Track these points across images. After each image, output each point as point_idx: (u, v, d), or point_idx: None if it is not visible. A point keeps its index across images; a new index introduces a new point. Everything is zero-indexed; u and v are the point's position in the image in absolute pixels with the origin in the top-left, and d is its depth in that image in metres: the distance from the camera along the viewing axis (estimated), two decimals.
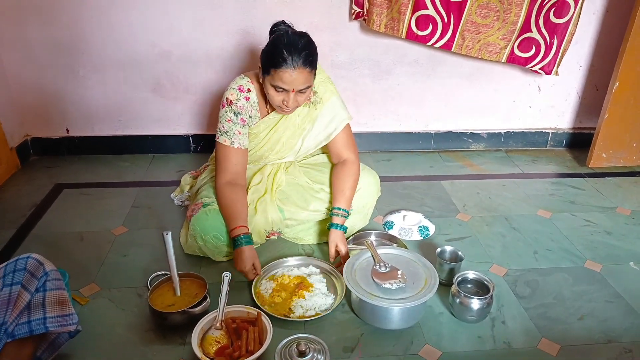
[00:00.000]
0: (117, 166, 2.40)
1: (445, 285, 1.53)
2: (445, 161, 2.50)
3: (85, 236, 1.84)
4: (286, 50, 1.44)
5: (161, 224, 1.92)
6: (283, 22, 1.56)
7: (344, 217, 1.65)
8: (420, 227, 1.86)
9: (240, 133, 1.62)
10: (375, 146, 2.58)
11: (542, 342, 1.37)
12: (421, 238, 1.83)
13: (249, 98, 1.62)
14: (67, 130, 2.44)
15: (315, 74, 1.53)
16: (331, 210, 1.66)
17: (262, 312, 1.38)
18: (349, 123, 1.74)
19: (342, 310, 1.48)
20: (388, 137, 2.56)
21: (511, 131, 2.62)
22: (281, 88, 1.49)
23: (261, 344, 1.30)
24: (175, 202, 2.07)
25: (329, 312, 1.45)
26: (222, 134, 1.62)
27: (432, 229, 1.87)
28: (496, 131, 2.61)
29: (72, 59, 2.27)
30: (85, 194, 2.15)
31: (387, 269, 1.45)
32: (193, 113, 2.46)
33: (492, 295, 1.40)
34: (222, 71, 2.35)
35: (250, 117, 1.64)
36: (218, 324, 1.36)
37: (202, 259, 1.69)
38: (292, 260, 1.67)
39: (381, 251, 1.53)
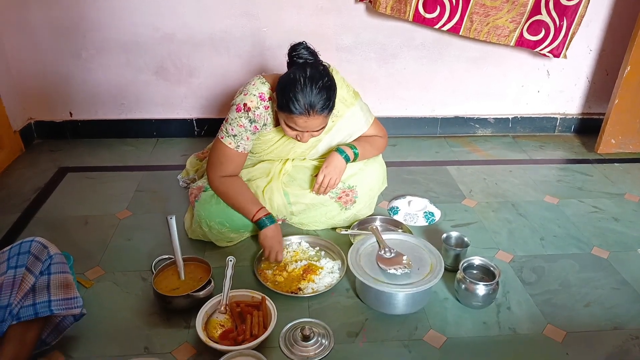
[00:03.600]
0: (121, 150, 2.39)
1: (450, 271, 1.52)
2: (451, 146, 2.47)
3: (89, 220, 1.83)
4: (302, 98, 1.39)
5: (166, 208, 1.91)
6: (304, 47, 1.46)
7: (353, 150, 1.64)
8: (425, 212, 1.84)
9: (248, 139, 1.58)
10: None
11: (548, 328, 1.36)
12: (427, 224, 1.81)
13: (267, 107, 1.55)
14: (71, 114, 2.43)
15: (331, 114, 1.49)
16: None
17: (266, 297, 1.38)
18: (375, 118, 1.74)
19: (346, 295, 1.48)
20: (394, 122, 2.53)
21: (519, 116, 2.58)
22: (294, 128, 1.47)
23: (265, 328, 1.30)
24: (180, 183, 2.06)
25: (331, 287, 1.47)
26: (228, 136, 1.56)
27: (437, 214, 1.86)
28: (503, 116, 2.58)
29: (74, 42, 2.24)
30: (89, 178, 2.14)
31: (392, 255, 1.43)
32: (197, 97, 2.43)
33: (498, 282, 1.39)
34: (226, 55, 2.32)
35: (264, 124, 1.60)
36: (222, 308, 1.36)
37: (207, 243, 1.68)
38: (294, 238, 1.68)
39: (386, 236, 1.52)
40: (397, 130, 2.54)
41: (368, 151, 1.72)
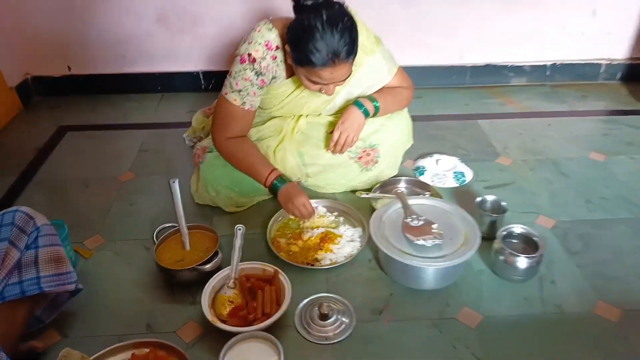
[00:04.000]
0: (124, 106, 2.23)
1: (485, 239, 1.35)
2: (482, 98, 2.24)
3: (90, 183, 1.70)
4: (324, 47, 1.19)
5: (171, 170, 1.76)
6: None
7: (373, 103, 1.46)
8: (455, 172, 1.66)
9: (255, 94, 1.40)
10: None
11: (599, 305, 1.20)
12: (457, 185, 1.63)
13: (276, 57, 1.36)
14: (69, 68, 2.26)
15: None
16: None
17: (279, 270, 1.24)
18: (399, 67, 1.53)
19: (368, 267, 1.33)
20: (418, 72, 2.27)
21: (558, 63, 2.31)
22: (318, 82, 1.28)
23: (279, 305, 1.17)
24: (187, 142, 1.90)
25: (351, 258, 1.33)
26: (232, 92, 1.39)
27: (468, 174, 1.67)
28: (540, 63, 2.31)
29: None
30: (90, 137, 2.00)
31: (420, 222, 1.27)
32: (202, 47, 2.23)
33: (542, 254, 1.22)
34: (232, 1, 2.09)
35: (274, 77, 1.40)
36: (231, 283, 1.23)
37: (214, 209, 1.54)
38: (312, 203, 1.52)
39: (413, 201, 1.35)
40: (421, 80, 2.29)
41: (391, 104, 1.52)
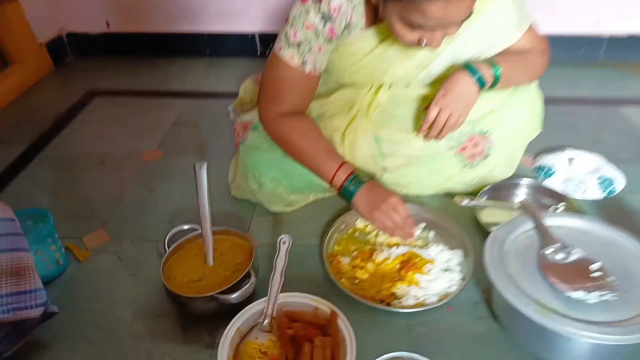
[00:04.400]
0: (165, 71, 1.88)
1: None
2: (623, 77, 1.68)
3: (107, 160, 1.36)
4: None
5: (207, 150, 1.39)
6: None
7: (492, 69, 0.97)
8: (600, 177, 1.15)
9: (320, 50, 0.97)
10: None
11: None
12: (604, 195, 1.12)
13: None
14: (108, 24, 1.94)
15: None
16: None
17: (339, 313, 0.81)
18: (532, 23, 1.04)
19: (474, 314, 0.87)
20: None
21: None
22: (421, 25, 0.82)
23: None
24: (232, 117, 1.51)
25: (448, 297, 0.87)
26: (289, 46, 0.97)
27: (619, 181, 1.15)
28: None
29: None
30: (120, 105, 1.67)
31: (573, 258, 0.79)
32: (260, 4, 1.83)
33: None
34: None
35: (347, 25, 0.97)
36: (266, 323, 0.82)
37: (256, 207, 1.14)
38: None
39: (552, 221, 0.87)
40: None
41: (518, 73, 1.04)
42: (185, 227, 0.98)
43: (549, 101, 1.51)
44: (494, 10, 0.99)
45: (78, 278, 0.99)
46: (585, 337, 0.68)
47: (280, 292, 0.84)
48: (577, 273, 0.76)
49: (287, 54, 0.98)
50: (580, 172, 1.16)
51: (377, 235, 1.03)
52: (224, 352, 0.77)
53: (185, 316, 0.89)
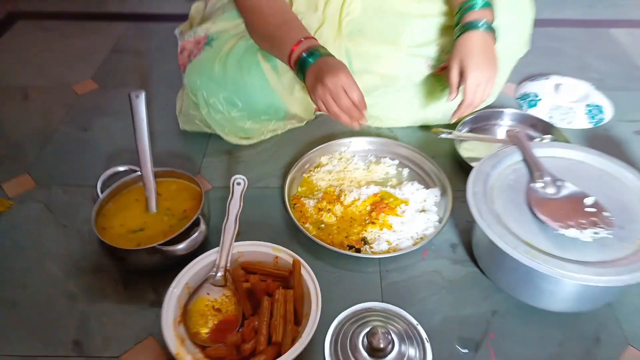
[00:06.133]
0: None
1: None
2: None
3: (32, 92, 1.17)
4: None
5: (150, 81, 1.21)
6: None
7: (485, 6, 0.83)
8: (588, 105, 1.05)
9: None
10: None
11: None
12: (591, 126, 1.03)
13: None
14: None
15: None
16: (462, 5, 0.85)
17: (302, 261, 0.71)
18: None
19: (452, 258, 0.79)
20: None
21: None
22: None
23: (298, 324, 0.65)
24: (179, 42, 1.33)
25: (424, 240, 0.79)
26: None
27: (607, 109, 1.06)
28: None
29: None
30: (48, 29, 1.44)
31: (564, 193, 0.70)
32: None
33: None
34: None
35: None
36: (219, 276, 0.71)
37: (209, 144, 1.00)
38: (356, 144, 0.96)
39: (542, 152, 0.78)
40: None
41: None
42: (122, 168, 0.84)
43: (536, 23, 1.38)
44: None
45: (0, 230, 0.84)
46: (580, 280, 0.60)
47: (235, 240, 0.73)
48: (570, 208, 0.67)
49: None
50: (567, 100, 1.06)
51: (345, 169, 0.91)
52: (170, 310, 0.66)
53: (126, 272, 0.77)
